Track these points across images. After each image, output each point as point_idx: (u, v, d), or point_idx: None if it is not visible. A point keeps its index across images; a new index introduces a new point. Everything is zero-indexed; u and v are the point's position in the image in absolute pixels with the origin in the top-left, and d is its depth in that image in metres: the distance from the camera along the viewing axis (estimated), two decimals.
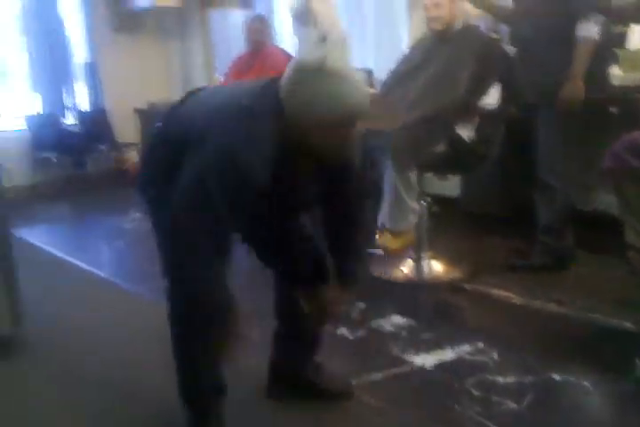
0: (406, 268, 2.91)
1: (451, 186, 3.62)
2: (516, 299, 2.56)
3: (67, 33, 5.62)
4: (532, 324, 2.35)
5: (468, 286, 2.72)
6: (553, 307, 2.45)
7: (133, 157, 5.59)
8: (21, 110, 5.47)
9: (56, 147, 5.27)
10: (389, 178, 2.57)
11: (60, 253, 3.54)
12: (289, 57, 3.90)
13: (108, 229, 4.24)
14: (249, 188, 1.36)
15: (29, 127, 5.37)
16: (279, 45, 4.66)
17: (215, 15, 5.69)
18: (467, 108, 2.67)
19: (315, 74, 1.30)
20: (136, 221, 4.13)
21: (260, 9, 5.24)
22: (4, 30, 5.34)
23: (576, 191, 2.83)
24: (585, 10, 2.49)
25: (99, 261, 3.48)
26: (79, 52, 5.80)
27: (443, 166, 2.83)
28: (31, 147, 5.34)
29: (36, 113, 5.53)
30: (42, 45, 5.50)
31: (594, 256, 2.91)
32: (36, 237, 3.92)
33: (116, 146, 5.71)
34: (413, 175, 2.64)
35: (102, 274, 3.16)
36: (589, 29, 2.49)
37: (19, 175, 5.03)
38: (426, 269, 2.90)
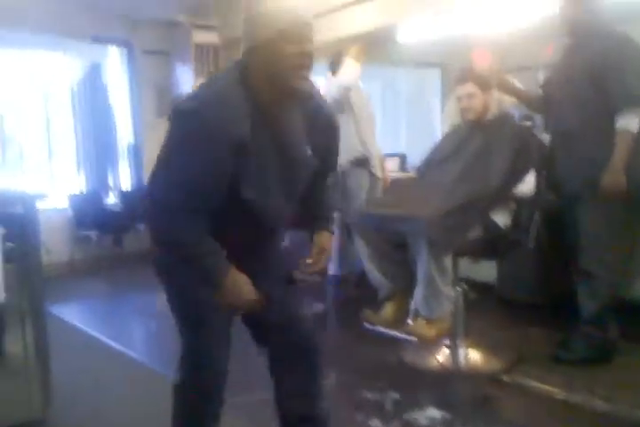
0: (442, 357, 2.82)
1: (487, 271, 3.58)
2: (557, 393, 2.44)
3: (114, 117, 5.96)
4: (575, 420, 2.23)
5: (506, 378, 2.61)
6: (597, 402, 2.32)
7: None
8: (66, 189, 5.69)
9: (96, 225, 5.43)
10: (423, 263, 2.55)
11: (93, 332, 3.55)
12: None
13: (141, 308, 4.25)
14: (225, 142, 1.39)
15: (72, 206, 5.56)
16: None
17: None
18: (502, 196, 2.69)
19: None
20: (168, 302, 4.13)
21: None
22: (55, 113, 5.65)
23: (620, 280, 2.76)
24: (624, 103, 2.52)
25: (130, 341, 3.46)
26: (124, 134, 6.12)
27: (478, 252, 2.81)
28: (73, 225, 5.50)
29: (79, 192, 5.75)
30: (90, 128, 5.82)
31: None
32: (71, 314, 3.96)
33: None
34: (448, 260, 2.62)
35: (133, 354, 3.13)
36: (629, 122, 2.52)
37: (59, 252, 5.15)
38: (462, 359, 2.80)
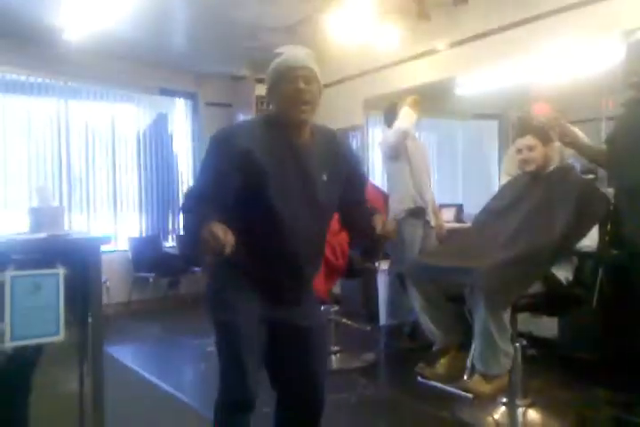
0: (498, 415, 2.70)
1: (548, 326, 3.44)
2: None
3: (176, 164, 6.20)
4: None
5: None
6: None
7: None
8: (127, 232, 5.89)
9: (154, 267, 5.57)
10: (480, 318, 2.48)
11: (144, 373, 3.59)
12: (377, 189, 4.06)
13: (193, 350, 4.28)
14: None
15: (132, 248, 5.73)
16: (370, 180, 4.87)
17: None
18: (564, 250, 2.60)
19: None
20: None
21: (354, 144, 5.58)
22: (122, 159, 5.92)
23: None
24: None
25: (181, 384, 3.47)
26: (185, 180, 6.33)
27: (537, 307, 2.72)
28: (131, 267, 5.65)
29: (139, 235, 5.94)
30: (153, 174, 6.08)
31: None
32: (126, 354, 4.02)
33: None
34: (506, 315, 2.53)
35: (183, 397, 3.14)
36: None
37: (117, 293, 5.29)
38: (520, 418, 2.67)
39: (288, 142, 1.78)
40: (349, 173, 1.93)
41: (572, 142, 2.91)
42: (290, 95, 1.72)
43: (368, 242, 2.07)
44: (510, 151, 4.32)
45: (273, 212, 1.73)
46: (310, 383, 1.89)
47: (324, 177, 1.82)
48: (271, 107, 1.83)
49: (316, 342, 1.90)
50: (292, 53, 1.79)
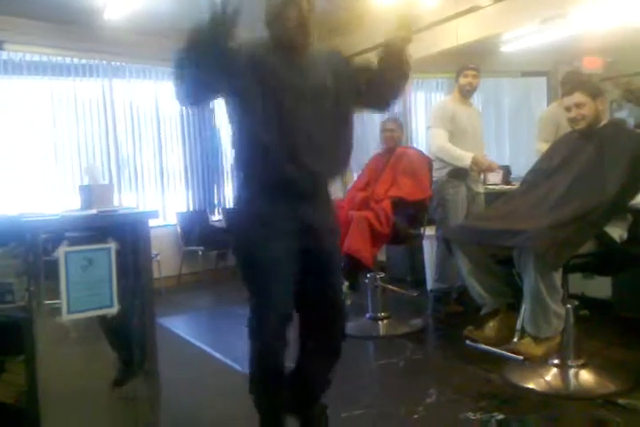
0: (550, 377, 2.66)
1: (602, 287, 3.36)
2: None
3: (220, 139, 6.24)
4: None
5: (623, 401, 2.42)
6: None
7: None
8: (175, 207, 6.00)
9: (202, 241, 5.67)
10: (530, 279, 2.43)
11: (198, 343, 3.69)
12: (422, 155, 3.99)
13: (243, 320, 4.35)
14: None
15: (180, 222, 5.85)
16: (412, 145, 4.80)
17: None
18: (618, 208, 2.51)
19: None
20: None
21: (396, 109, 5.48)
22: (166, 137, 6.01)
23: None
24: None
25: (233, 352, 3.56)
26: (229, 155, 6.38)
27: (590, 268, 2.65)
28: (180, 240, 5.78)
29: (186, 210, 6.05)
30: (197, 150, 6.14)
31: None
32: (179, 325, 4.14)
33: None
34: (558, 276, 2.47)
35: (236, 366, 3.22)
36: None
37: (168, 267, 5.43)
38: (573, 380, 2.64)
39: (291, 62, 1.87)
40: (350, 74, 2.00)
41: (636, 98, 2.79)
42: (279, 12, 1.81)
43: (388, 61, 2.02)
44: (546, 115, 4.17)
45: (273, 105, 1.82)
46: (329, 296, 2.00)
47: (328, 81, 1.90)
48: (269, 31, 1.88)
49: (328, 248, 1.98)
50: None
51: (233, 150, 1.99)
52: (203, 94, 1.89)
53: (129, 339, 2.28)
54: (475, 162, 3.71)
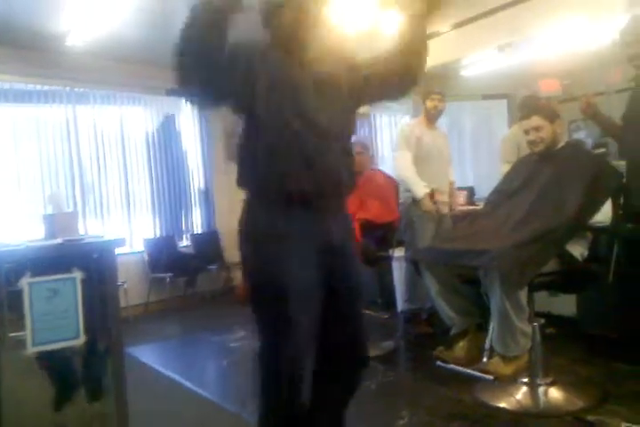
0: (520, 395, 2.68)
1: (567, 304, 3.43)
2: None
3: (186, 164, 6.23)
4: None
5: (592, 418, 2.45)
6: None
7: (240, 276, 5.81)
8: (142, 233, 5.93)
9: (170, 268, 5.60)
10: (497, 299, 2.47)
11: (167, 371, 3.62)
12: (389, 178, 4.05)
13: (214, 347, 4.32)
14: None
15: (148, 249, 5.78)
16: (378, 167, 4.86)
17: None
18: (578, 227, 2.59)
19: None
20: (240, 340, 4.22)
21: (361, 132, 5.56)
22: (133, 162, 5.96)
23: None
24: None
25: (203, 381, 3.51)
26: (196, 180, 6.36)
27: (554, 286, 2.70)
28: (148, 267, 5.70)
29: (154, 236, 5.99)
30: (164, 175, 6.12)
31: None
32: (147, 354, 4.06)
33: (225, 266, 5.99)
34: (523, 295, 2.53)
35: (206, 394, 3.17)
36: None
37: (135, 294, 5.34)
38: (542, 398, 2.66)
39: (297, 61, 1.75)
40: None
41: (593, 114, 2.89)
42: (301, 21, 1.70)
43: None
44: (507, 137, 4.29)
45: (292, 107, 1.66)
46: (351, 323, 1.78)
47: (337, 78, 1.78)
48: (272, 32, 1.76)
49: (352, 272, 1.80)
50: None
51: (239, 165, 1.77)
52: (209, 96, 1.71)
53: (96, 370, 2.23)
54: (421, 202, 3.79)
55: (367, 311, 4.02)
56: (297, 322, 1.62)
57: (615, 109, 3.14)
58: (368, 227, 3.65)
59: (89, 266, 2.17)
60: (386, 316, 4.18)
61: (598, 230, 2.68)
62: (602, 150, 4.00)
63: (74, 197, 5.51)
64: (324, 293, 1.69)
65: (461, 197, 4.67)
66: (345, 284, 1.77)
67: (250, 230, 1.75)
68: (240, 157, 1.75)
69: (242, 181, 1.76)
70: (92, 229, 5.45)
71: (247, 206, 1.77)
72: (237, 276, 6.05)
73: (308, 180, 1.65)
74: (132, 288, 5.13)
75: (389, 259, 3.97)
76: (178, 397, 3.20)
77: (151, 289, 5.68)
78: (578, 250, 2.64)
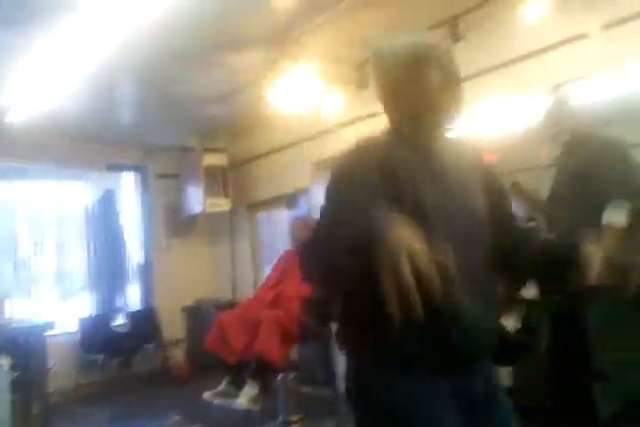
0: None
1: (503, 376, 3.46)
2: None
3: (124, 241, 6.12)
4: None
5: None
6: None
7: (177, 354, 5.65)
8: (75, 312, 5.70)
9: (104, 348, 5.36)
10: None
11: None
12: None
13: None
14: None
15: (81, 329, 5.53)
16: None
17: (262, 216, 6.15)
18: (509, 299, 2.67)
19: None
20: (174, 425, 4.03)
21: (303, 208, 5.65)
22: (68, 237, 5.82)
23: (637, 381, 2.67)
24: (612, 197, 2.58)
25: None
26: (134, 255, 6.25)
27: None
28: (80, 349, 5.44)
29: (88, 315, 5.75)
30: (101, 251, 5.97)
31: None
32: None
33: (163, 345, 5.79)
34: None
35: None
36: (614, 216, 2.56)
37: (64, 378, 5.05)
38: None
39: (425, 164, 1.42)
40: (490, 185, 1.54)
41: (526, 196, 3.08)
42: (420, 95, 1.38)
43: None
44: None
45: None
46: None
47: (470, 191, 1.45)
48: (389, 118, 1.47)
49: None
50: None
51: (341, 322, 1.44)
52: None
53: None
54: None
55: (309, 390, 3.96)
56: None
57: (545, 184, 3.35)
58: (311, 302, 3.65)
59: (17, 352, 2.09)
60: (328, 392, 4.10)
61: (530, 303, 2.76)
62: (532, 223, 4.19)
63: (4, 274, 5.29)
64: None
65: None
66: None
67: (365, 403, 1.45)
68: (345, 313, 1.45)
69: (343, 340, 1.46)
70: (23, 308, 5.20)
71: (360, 369, 1.44)
72: (175, 354, 5.87)
73: (451, 335, 1.36)
74: (61, 371, 4.85)
75: (330, 334, 3.95)
76: None
77: (83, 371, 5.38)
78: (510, 322, 2.71)
